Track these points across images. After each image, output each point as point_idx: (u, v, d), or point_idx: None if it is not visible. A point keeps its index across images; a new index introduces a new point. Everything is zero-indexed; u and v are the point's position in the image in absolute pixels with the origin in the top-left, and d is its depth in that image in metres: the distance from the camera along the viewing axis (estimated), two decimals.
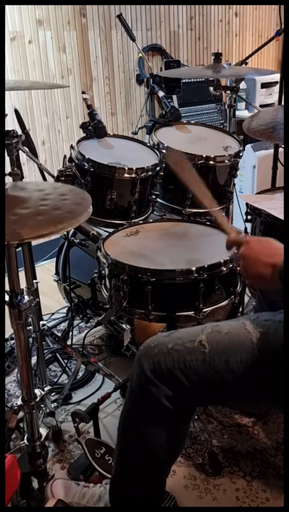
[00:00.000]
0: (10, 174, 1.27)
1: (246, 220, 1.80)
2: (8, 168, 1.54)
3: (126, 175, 1.69)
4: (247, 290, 2.05)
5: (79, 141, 1.82)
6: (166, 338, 1.19)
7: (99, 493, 1.38)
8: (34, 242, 1.60)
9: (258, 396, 1.14)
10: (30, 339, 1.68)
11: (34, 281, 1.58)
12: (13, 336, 1.24)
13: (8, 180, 1.28)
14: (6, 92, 2.74)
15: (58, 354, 2.17)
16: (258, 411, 1.78)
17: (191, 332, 1.19)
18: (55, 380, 2.06)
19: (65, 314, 2.47)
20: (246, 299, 2.22)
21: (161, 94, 2.23)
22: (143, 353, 1.18)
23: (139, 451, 1.21)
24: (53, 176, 1.74)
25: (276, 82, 3.86)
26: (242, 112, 3.78)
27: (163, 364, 1.13)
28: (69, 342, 1.94)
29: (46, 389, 1.53)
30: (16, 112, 1.81)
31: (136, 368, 1.18)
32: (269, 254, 1.11)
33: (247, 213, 1.78)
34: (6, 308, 1.20)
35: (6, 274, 1.19)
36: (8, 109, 2.77)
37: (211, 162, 1.79)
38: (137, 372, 1.17)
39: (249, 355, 1.10)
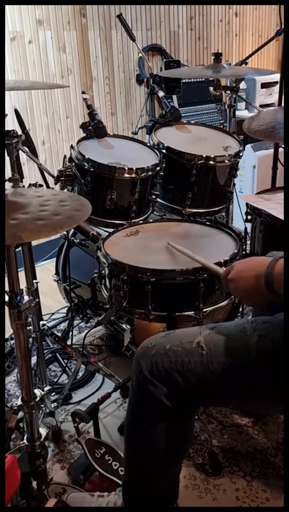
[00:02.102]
0: (10, 180, 1.27)
1: (246, 220, 1.79)
2: (8, 170, 1.54)
3: (126, 175, 1.69)
4: None
5: (79, 141, 1.82)
6: (163, 338, 1.19)
7: (114, 502, 1.38)
8: (34, 242, 1.60)
9: (256, 398, 1.14)
10: (30, 339, 1.68)
11: (34, 281, 1.58)
12: (13, 336, 1.24)
13: (8, 185, 1.28)
14: (6, 92, 2.74)
15: (58, 354, 2.17)
16: (256, 410, 1.77)
17: (189, 333, 1.19)
18: (55, 380, 2.06)
19: (65, 314, 2.47)
20: None
21: (161, 94, 2.22)
22: (141, 354, 1.18)
23: (145, 450, 1.21)
24: (53, 176, 1.74)
25: (276, 82, 3.86)
26: (242, 112, 3.78)
27: (160, 365, 1.14)
28: (69, 342, 1.94)
29: (46, 389, 1.52)
30: (16, 112, 1.81)
31: (135, 368, 1.18)
32: (250, 269, 1.11)
33: (247, 213, 1.78)
34: (6, 308, 1.19)
35: (6, 274, 1.19)
36: (8, 109, 2.77)
37: (211, 162, 1.79)
38: (136, 373, 1.17)
39: (247, 358, 1.11)
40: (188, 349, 1.14)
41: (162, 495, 1.29)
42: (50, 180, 1.80)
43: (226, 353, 1.12)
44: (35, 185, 1.55)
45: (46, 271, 2.72)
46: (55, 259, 2.25)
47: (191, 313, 1.44)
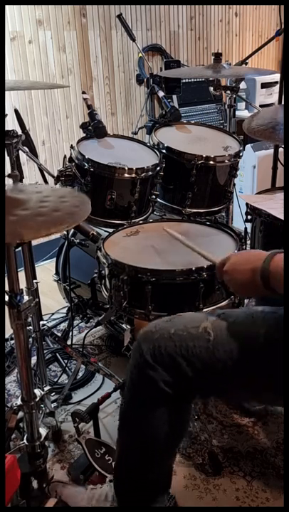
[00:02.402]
0: (9, 176, 1.27)
1: (246, 220, 1.79)
2: (8, 170, 1.54)
3: (126, 175, 1.69)
4: None
5: (79, 141, 1.82)
6: (167, 323, 1.17)
7: (105, 493, 1.38)
8: (34, 242, 1.60)
9: (258, 387, 1.13)
10: (30, 339, 1.68)
11: (34, 281, 1.58)
12: (13, 336, 1.24)
13: (8, 182, 1.28)
14: (6, 92, 2.74)
15: (58, 354, 2.17)
16: (257, 402, 1.76)
17: (195, 318, 1.17)
18: (55, 380, 2.06)
19: (65, 314, 2.47)
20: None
21: (161, 94, 2.22)
22: (143, 338, 1.16)
23: (141, 436, 1.19)
24: (53, 176, 1.74)
25: (276, 82, 3.86)
26: (242, 112, 3.78)
27: (163, 348, 1.11)
28: (69, 342, 1.94)
29: (46, 389, 1.53)
30: (16, 112, 1.81)
31: (135, 352, 1.16)
32: (247, 261, 1.10)
33: (247, 213, 1.78)
34: (6, 308, 1.20)
35: (6, 274, 1.20)
36: (8, 109, 2.77)
37: (211, 162, 1.79)
38: (136, 357, 1.15)
39: (254, 346, 1.09)
40: (194, 334, 1.12)
41: (159, 482, 1.27)
42: (50, 180, 1.80)
43: (234, 339, 1.10)
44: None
45: (46, 271, 2.72)
46: (55, 259, 2.25)
47: None
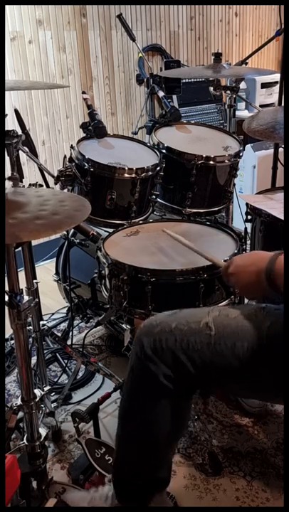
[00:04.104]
0: (9, 178, 1.27)
1: (246, 220, 1.80)
2: (8, 170, 1.54)
3: (126, 175, 1.69)
4: None
5: (79, 141, 1.82)
6: (169, 317, 1.17)
7: (106, 493, 1.38)
8: (34, 242, 1.60)
9: (260, 384, 1.13)
10: (30, 339, 1.68)
11: (34, 281, 1.58)
12: (13, 336, 1.24)
13: (8, 184, 1.28)
14: (6, 92, 2.74)
15: (58, 354, 2.17)
16: (256, 398, 1.76)
17: (197, 313, 1.17)
18: (55, 380, 2.06)
19: (65, 314, 2.47)
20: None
21: (161, 94, 2.22)
22: (144, 332, 1.15)
23: (141, 428, 1.19)
24: (53, 176, 1.74)
25: (276, 82, 3.86)
26: (242, 112, 3.78)
27: (164, 343, 1.11)
28: (69, 342, 1.94)
29: (46, 389, 1.53)
30: (16, 111, 1.81)
31: (136, 345, 1.16)
32: (251, 263, 1.13)
33: (247, 213, 1.79)
34: (6, 308, 1.20)
35: (6, 274, 1.20)
36: (8, 109, 2.77)
37: (211, 162, 1.79)
38: (137, 350, 1.15)
39: (256, 342, 1.09)
40: (195, 329, 1.12)
41: (158, 476, 1.26)
42: (50, 180, 1.80)
43: (236, 335, 1.10)
44: (35, 185, 1.55)
45: (46, 271, 2.72)
46: (55, 259, 2.25)
47: None
